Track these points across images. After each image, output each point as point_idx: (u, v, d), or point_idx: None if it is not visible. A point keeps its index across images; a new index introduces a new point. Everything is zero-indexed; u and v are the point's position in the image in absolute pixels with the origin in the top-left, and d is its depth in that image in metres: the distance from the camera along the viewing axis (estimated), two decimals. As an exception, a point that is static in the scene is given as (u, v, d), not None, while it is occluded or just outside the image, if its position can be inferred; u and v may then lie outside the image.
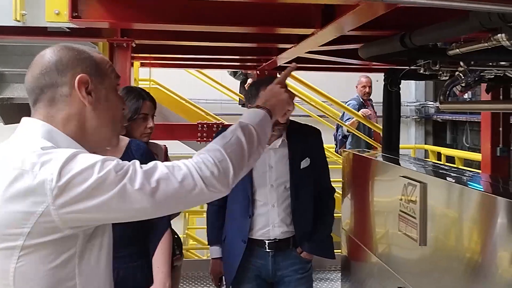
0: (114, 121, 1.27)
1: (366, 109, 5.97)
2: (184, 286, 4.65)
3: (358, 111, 5.97)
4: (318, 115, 6.61)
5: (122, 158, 1.96)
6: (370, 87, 6.00)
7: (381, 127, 4.83)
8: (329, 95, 6.14)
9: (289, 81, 5.94)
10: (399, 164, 3.48)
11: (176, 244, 2.46)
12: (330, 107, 6.40)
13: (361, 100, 5.98)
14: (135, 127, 2.31)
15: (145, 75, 5.47)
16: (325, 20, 2.55)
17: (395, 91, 4.64)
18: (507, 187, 2.63)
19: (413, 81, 8.01)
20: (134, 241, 1.95)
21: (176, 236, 2.54)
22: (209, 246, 2.65)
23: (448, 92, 3.93)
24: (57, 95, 1.19)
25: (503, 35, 2.30)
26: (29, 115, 3.80)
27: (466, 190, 2.34)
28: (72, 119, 1.20)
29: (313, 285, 4.76)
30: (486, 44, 2.58)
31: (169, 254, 2.03)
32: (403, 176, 2.98)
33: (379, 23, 2.51)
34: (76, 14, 2.38)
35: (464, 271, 2.24)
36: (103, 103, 1.23)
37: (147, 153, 2.06)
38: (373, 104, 6.25)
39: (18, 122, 3.84)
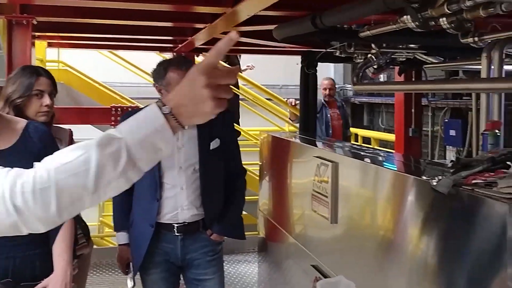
0: None
1: (291, 99, 5.95)
2: (101, 273, 4.50)
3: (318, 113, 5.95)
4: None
5: (19, 142, 1.83)
6: (332, 89, 5.90)
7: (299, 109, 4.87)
8: (249, 78, 6.12)
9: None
10: (315, 146, 3.52)
11: (83, 232, 2.33)
12: (251, 90, 6.39)
13: (323, 101, 5.91)
14: (29, 105, 2.14)
15: (54, 57, 5.17)
16: (236, -1, 2.49)
17: (312, 73, 4.70)
18: (419, 166, 2.72)
19: (332, 64, 8.16)
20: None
21: (83, 224, 2.40)
22: (115, 232, 2.54)
23: (360, 74, 4.01)
24: None
25: (409, 16, 2.34)
26: None
27: (376, 168, 2.38)
28: None
29: (231, 268, 4.80)
30: (394, 26, 2.63)
31: (70, 241, 1.91)
32: (316, 157, 3.01)
33: (292, 3, 2.49)
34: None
35: (374, 248, 2.29)
36: None
37: (46, 136, 1.90)
38: (341, 103, 6.20)
39: None
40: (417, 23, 2.36)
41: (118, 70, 6.46)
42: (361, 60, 3.81)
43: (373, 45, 3.54)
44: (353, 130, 7.63)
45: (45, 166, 0.95)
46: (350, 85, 8.74)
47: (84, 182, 0.92)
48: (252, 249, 4.75)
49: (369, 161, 2.63)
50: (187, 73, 2.31)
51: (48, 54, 5.14)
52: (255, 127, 6.00)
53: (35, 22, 2.94)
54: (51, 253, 1.88)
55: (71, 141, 2.39)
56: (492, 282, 1.53)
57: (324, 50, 4.19)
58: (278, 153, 3.88)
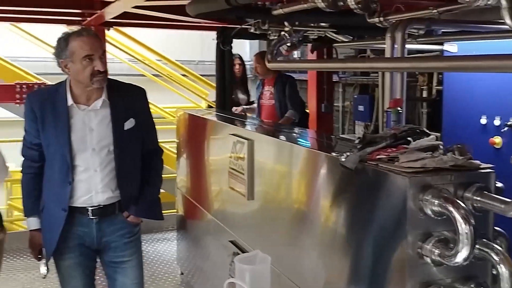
0: None
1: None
2: (10, 259, 4.31)
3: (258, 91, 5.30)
4: (153, 74, 6.43)
5: None
6: (258, 67, 5.06)
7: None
8: (163, 54, 6.00)
9: (121, 39, 5.69)
10: (231, 123, 3.55)
11: None
12: (165, 66, 6.27)
13: (259, 80, 5.35)
14: None
15: None
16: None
17: (228, 49, 4.70)
18: (326, 142, 2.83)
19: (247, 41, 8.18)
20: None
21: None
22: (25, 217, 2.43)
23: (275, 51, 4.07)
24: None
25: (319, -4, 2.40)
26: None
27: (290, 146, 2.45)
28: None
29: (150, 246, 4.77)
30: (305, 5, 2.68)
31: None
32: (232, 134, 3.04)
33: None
34: None
35: (289, 222, 2.37)
36: None
37: None
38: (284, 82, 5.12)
39: None
40: (326, 3, 2.43)
41: (23, 44, 6.07)
42: (276, 37, 3.86)
43: (286, 23, 3.59)
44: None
45: None
46: (265, 62, 8.82)
47: None
48: (171, 227, 4.74)
49: (283, 138, 2.70)
50: (91, 38, 2.24)
51: None
52: (171, 104, 5.91)
53: None
54: None
55: None
56: (394, 250, 1.65)
57: (239, 26, 4.20)
58: (195, 131, 3.88)
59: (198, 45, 8.10)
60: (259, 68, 5.03)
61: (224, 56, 4.68)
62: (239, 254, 2.69)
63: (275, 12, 3.04)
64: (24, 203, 2.42)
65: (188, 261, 3.98)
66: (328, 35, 4.37)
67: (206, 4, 2.98)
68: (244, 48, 8.28)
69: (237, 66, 5.55)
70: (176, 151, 4.28)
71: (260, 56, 4.99)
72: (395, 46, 2.62)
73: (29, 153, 2.39)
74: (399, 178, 1.60)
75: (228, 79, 4.67)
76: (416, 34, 3.34)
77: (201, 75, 6.56)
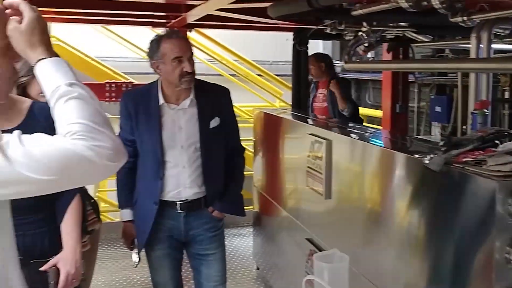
0: (2, 83, 1.18)
1: None
2: (103, 248, 4.57)
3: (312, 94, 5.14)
4: (229, 74, 6.61)
5: (25, 122, 1.86)
6: (312, 69, 4.86)
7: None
8: (240, 53, 6.14)
9: (199, 39, 5.85)
10: (307, 122, 3.60)
11: (93, 208, 2.37)
12: (242, 66, 6.42)
13: (313, 83, 5.21)
14: (32, 85, 2.15)
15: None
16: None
17: (304, 50, 4.75)
18: (403, 142, 2.82)
19: (321, 41, 8.18)
20: (40, 207, 1.87)
21: (92, 201, 2.45)
22: (119, 209, 2.60)
23: (352, 52, 4.08)
24: None
25: (403, -4, 2.41)
26: None
27: (368, 146, 2.48)
28: None
29: (227, 241, 4.90)
30: (387, 6, 2.69)
31: (78, 219, 1.97)
32: (310, 134, 3.09)
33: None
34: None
35: (367, 222, 2.39)
36: None
37: (51, 116, 1.94)
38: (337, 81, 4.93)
39: None
40: (410, 3, 2.43)
41: (112, 45, 6.43)
42: (351, 37, 3.87)
43: (364, 23, 3.59)
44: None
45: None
46: (338, 61, 8.79)
47: None
48: (246, 223, 4.86)
49: (361, 138, 2.72)
50: (180, 41, 2.38)
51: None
52: (246, 103, 6.05)
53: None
54: (59, 231, 1.94)
55: None
56: (480, 254, 1.64)
57: (315, 27, 4.24)
58: (272, 129, 3.96)
59: (272, 46, 8.19)
60: (314, 70, 4.91)
61: (300, 56, 4.73)
62: (316, 252, 2.74)
63: (354, 13, 3.05)
64: (119, 196, 2.58)
65: (263, 256, 4.08)
66: (407, 35, 4.31)
67: (287, 6, 3.05)
68: (317, 48, 8.29)
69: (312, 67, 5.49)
70: (252, 149, 4.39)
71: (315, 58, 4.92)
72: (481, 46, 2.58)
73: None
74: (488, 181, 1.59)
75: (304, 79, 4.72)
76: (502, 34, 3.25)
77: (275, 75, 6.66)
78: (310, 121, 3.71)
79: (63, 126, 1.05)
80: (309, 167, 3.04)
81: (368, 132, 3.01)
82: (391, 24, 3.88)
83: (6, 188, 1.00)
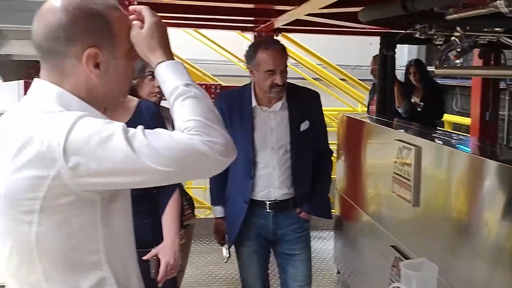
0: (123, 84, 1.25)
1: None
2: (195, 243, 4.73)
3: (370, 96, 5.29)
4: (313, 78, 6.63)
5: (132, 119, 2.00)
6: (375, 69, 4.90)
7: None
8: (324, 57, 6.15)
9: (284, 42, 5.91)
10: (393, 128, 3.56)
11: (188, 204, 2.50)
12: (325, 70, 6.42)
13: (372, 84, 5.25)
14: (143, 87, 2.29)
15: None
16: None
17: (391, 55, 4.68)
18: (496, 150, 2.73)
19: (406, 45, 8.01)
20: (144, 200, 1.99)
21: (188, 197, 2.57)
22: (212, 206, 2.71)
23: (443, 57, 3.98)
24: (64, 65, 1.15)
25: (502, 1, 2.33)
26: (27, 73, 3.72)
27: (458, 153, 2.42)
28: (81, 86, 1.17)
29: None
30: (484, 10, 2.61)
31: (178, 213, 2.08)
32: (398, 140, 3.06)
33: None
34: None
35: (457, 231, 2.34)
36: (113, 72, 1.18)
37: (156, 115, 2.07)
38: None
39: (17, 79, 3.77)
40: (511, 8, 2.35)
41: (202, 48, 6.65)
42: (441, 42, 3.78)
43: (458, 28, 3.50)
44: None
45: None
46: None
47: None
48: (326, 226, 4.86)
49: (453, 146, 2.66)
50: (275, 53, 2.42)
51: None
52: (329, 107, 6.05)
53: (135, 3, 3.12)
54: (160, 223, 2.06)
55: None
56: None
57: (404, 31, 4.17)
58: (356, 134, 3.94)
59: (355, 50, 8.13)
60: (377, 71, 4.81)
61: (387, 61, 4.66)
62: (401, 259, 2.71)
63: (448, 17, 2.99)
64: (212, 193, 2.69)
65: (344, 260, 4.07)
66: (502, 40, 4.14)
67: (380, 11, 3.04)
68: (402, 53, 8.14)
69: (413, 73, 5.30)
70: (336, 153, 4.39)
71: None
72: None
73: (218, 148, 2.66)
74: None
75: (389, 84, 4.65)
76: None
77: (358, 79, 6.60)
78: (397, 126, 3.66)
79: (181, 123, 1.12)
80: (395, 173, 3.00)
81: (457, 139, 2.94)
82: (486, 29, 3.75)
83: (132, 177, 1.08)
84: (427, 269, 1.71)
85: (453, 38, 3.61)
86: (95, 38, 1.14)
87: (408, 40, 4.48)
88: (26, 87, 4.27)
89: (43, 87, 1.16)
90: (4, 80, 3.57)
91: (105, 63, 1.16)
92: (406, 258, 2.69)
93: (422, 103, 5.19)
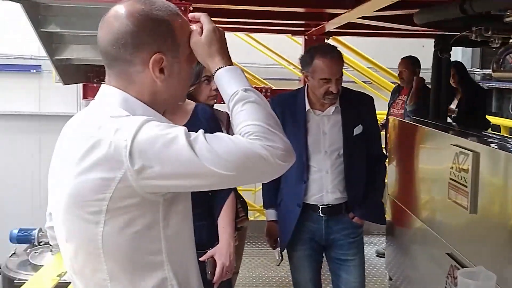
0: (184, 88, 1.29)
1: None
2: (247, 245, 4.78)
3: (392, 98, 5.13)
4: (363, 81, 6.56)
5: (189, 122, 2.04)
6: (404, 72, 4.80)
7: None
8: (375, 60, 6.07)
9: (334, 45, 5.84)
10: (447, 132, 3.47)
11: (242, 207, 2.52)
12: (376, 73, 6.34)
13: (395, 86, 5.07)
14: (200, 91, 2.33)
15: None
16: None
17: (445, 57, 4.57)
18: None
19: (459, 48, 7.80)
20: (200, 202, 2.02)
21: (241, 199, 2.59)
22: (264, 209, 2.73)
23: (501, 60, 3.86)
24: (130, 70, 1.18)
25: None
26: (86, 76, 3.83)
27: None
28: (145, 91, 1.20)
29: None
30: (544, 12, 2.53)
31: (233, 215, 2.11)
32: (454, 145, 2.98)
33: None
34: (139, -23, 2.42)
35: (513, 239, 2.26)
36: (176, 77, 1.21)
37: (213, 118, 2.11)
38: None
39: (77, 82, 3.90)
40: None
41: (251, 51, 6.70)
42: (497, 45, 3.67)
43: (517, 30, 3.40)
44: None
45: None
46: (478, 69, 8.31)
47: None
48: (377, 232, 4.80)
49: (509, 151, 2.57)
50: (332, 62, 2.39)
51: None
52: (380, 110, 5.97)
53: (191, 8, 3.18)
54: (215, 225, 2.09)
55: (228, 124, 2.58)
56: None
57: (459, 34, 4.07)
58: (409, 138, 3.87)
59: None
60: (405, 74, 4.78)
61: (441, 64, 4.56)
62: (457, 267, 2.64)
63: (507, 20, 2.90)
64: (264, 196, 2.71)
65: (396, 267, 4.00)
66: None
67: (436, 13, 2.99)
68: (456, 55, 7.93)
69: (451, 76, 5.12)
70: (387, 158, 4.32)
71: (410, 61, 4.78)
72: None
73: (272, 151, 2.67)
74: None
75: (444, 87, 4.54)
76: None
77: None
78: (453, 131, 3.57)
79: (241, 127, 1.14)
80: (451, 179, 2.93)
81: (510, 144, 2.84)
82: (546, 31, 3.62)
83: (193, 180, 1.11)
84: (485, 278, 1.67)
85: (511, 40, 3.51)
86: (160, 44, 1.17)
87: (463, 42, 4.37)
88: (85, 90, 4.44)
89: (110, 92, 1.20)
90: (65, 84, 3.71)
91: (169, 68, 1.19)
92: (462, 267, 2.62)
93: (457, 109, 4.95)
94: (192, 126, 2.09)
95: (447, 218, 3.08)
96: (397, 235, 4.04)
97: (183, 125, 2.01)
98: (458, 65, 4.95)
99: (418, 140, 3.66)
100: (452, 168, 2.94)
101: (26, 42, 6.30)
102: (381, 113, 5.95)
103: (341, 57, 2.50)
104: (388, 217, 4.21)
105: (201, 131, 1.12)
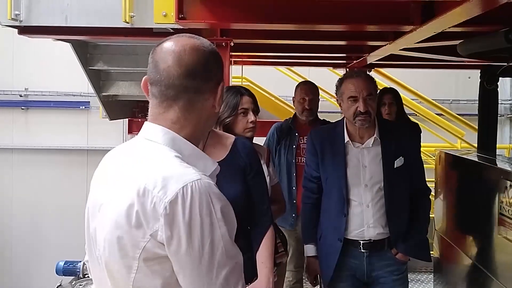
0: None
1: None
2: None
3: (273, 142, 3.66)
4: (408, 114, 6.43)
5: (229, 156, 2.04)
6: (312, 100, 3.55)
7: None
8: (418, 92, 5.98)
9: (376, 77, 5.86)
10: (496, 165, 3.34)
11: (281, 242, 2.46)
12: (420, 105, 6.23)
13: (292, 119, 3.67)
14: (237, 123, 2.34)
15: (237, 73, 5.57)
16: (425, 17, 2.50)
17: (492, 88, 4.45)
18: None
19: (508, 78, 7.58)
20: (240, 236, 2.01)
21: (281, 234, 2.54)
22: (304, 244, 2.66)
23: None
24: (197, 100, 1.20)
25: None
26: (132, 112, 3.95)
27: None
28: (197, 122, 1.21)
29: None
30: None
31: (272, 249, 2.07)
32: (504, 178, 2.86)
33: (480, 19, 2.41)
34: (182, 15, 2.50)
35: None
36: (220, 102, 1.25)
37: (252, 152, 2.09)
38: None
39: (122, 118, 4.02)
40: None
41: (290, 84, 6.74)
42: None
43: None
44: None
45: None
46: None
47: None
48: (424, 269, 4.62)
49: None
50: (358, 80, 2.39)
51: (233, 71, 5.58)
52: (426, 142, 5.83)
53: (232, 44, 3.24)
54: (254, 260, 2.05)
55: (268, 158, 2.56)
56: None
57: (506, 64, 3.96)
58: (456, 171, 3.75)
59: (452, 83, 7.83)
60: (313, 104, 3.60)
61: (488, 95, 4.44)
62: (511, 308, 2.50)
63: (555, 49, 2.80)
64: (304, 230, 2.65)
65: (445, 307, 3.82)
66: None
67: (481, 43, 2.92)
68: (504, 85, 7.71)
69: (387, 105, 3.87)
70: (434, 192, 4.19)
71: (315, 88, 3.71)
72: None
73: (309, 185, 2.63)
74: None
75: (493, 119, 4.41)
76: None
77: (456, 114, 6.33)
78: (501, 164, 3.44)
79: None
80: (502, 214, 2.80)
81: None
82: None
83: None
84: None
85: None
86: (221, 73, 1.25)
87: (511, 72, 4.25)
88: (130, 125, 4.56)
89: (155, 132, 1.18)
90: (111, 119, 3.82)
91: (221, 94, 1.25)
92: (516, 308, 2.48)
93: None
94: (231, 159, 2.10)
95: (498, 255, 2.93)
96: (445, 273, 3.88)
97: (223, 159, 2.04)
98: (396, 93, 3.89)
99: (465, 173, 3.53)
100: (502, 202, 2.81)
101: (75, 79, 6.55)
102: (428, 145, 5.84)
103: (369, 77, 2.49)
104: (435, 253, 4.06)
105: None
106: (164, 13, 2.61)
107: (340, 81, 2.50)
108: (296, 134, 3.59)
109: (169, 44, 1.20)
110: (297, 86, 3.71)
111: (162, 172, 1.10)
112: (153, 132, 1.19)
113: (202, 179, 1.10)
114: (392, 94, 3.85)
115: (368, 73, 4.88)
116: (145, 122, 1.23)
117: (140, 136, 1.22)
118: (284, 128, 3.66)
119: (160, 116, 1.20)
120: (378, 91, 2.89)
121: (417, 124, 3.38)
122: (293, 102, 3.71)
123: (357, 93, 2.39)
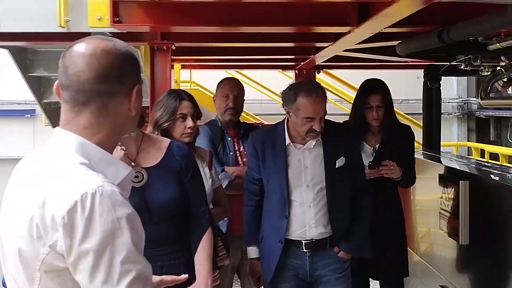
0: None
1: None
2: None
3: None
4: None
5: (164, 159, 2.01)
6: (237, 97, 3.17)
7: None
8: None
9: (326, 79, 5.91)
10: (440, 162, 3.43)
11: (223, 244, 2.43)
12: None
13: (220, 122, 3.14)
14: (175, 128, 2.31)
15: (186, 77, 5.55)
16: (361, 18, 2.54)
17: (436, 87, 4.57)
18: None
19: (454, 77, 7.83)
20: (177, 239, 1.97)
21: (223, 237, 2.51)
22: (246, 246, 2.65)
23: (489, 87, 3.84)
24: (110, 104, 1.16)
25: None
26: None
27: (509, 188, 2.29)
28: (112, 127, 1.18)
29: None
30: (527, 38, 2.53)
31: (210, 252, 2.05)
32: (444, 174, 2.94)
33: (415, 19, 2.48)
34: (118, 19, 2.46)
35: (507, 269, 2.20)
36: (138, 105, 1.21)
37: (187, 155, 2.07)
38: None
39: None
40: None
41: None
42: (488, 73, 3.66)
43: (502, 58, 3.38)
44: (479, 145, 7.19)
45: None
46: (474, 98, 8.32)
47: None
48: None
49: (504, 180, 2.53)
50: (317, 101, 2.36)
51: (181, 75, 5.53)
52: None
53: (173, 48, 3.21)
54: (193, 262, 2.03)
55: (211, 161, 2.54)
56: None
57: (448, 63, 4.08)
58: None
59: (402, 84, 8.01)
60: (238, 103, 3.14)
61: (432, 94, 4.56)
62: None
63: (491, 47, 2.90)
64: (245, 233, 2.63)
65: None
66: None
67: (417, 43, 2.98)
68: (451, 85, 7.95)
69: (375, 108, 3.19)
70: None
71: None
72: None
73: (251, 187, 2.61)
74: None
75: (436, 117, 4.53)
76: None
77: (405, 113, 6.48)
78: (443, 161, 3.53)
79: None
80: (442, 209, 2.88)
81: (509, 173, 2.79)
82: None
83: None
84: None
85: (498, 68, 3.50)
86: (138, 76, 1.21)
87: (454, 71, 4.37)
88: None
89: (66, 138, 1.15)
90: (54, 126, 3.73)
91: (138, 97, 1.21)
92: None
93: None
94: (166, 162, 2.08)
95: (439, 249, 3.04)
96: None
97: (158, 162, 2.01)
98: (385, 91, 3.15)
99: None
100: (442, 198, 2.90)
101: (20, 86, 6.38)
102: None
103: (325, 95, 2.45)
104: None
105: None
106: (99, 17, 2.56)
107: (295, 95, 2.40)
108: (229, 139, 3.10)
109: (79, 47, 1.16)
110: (219, 83, 3.23)
111: (63, 181, 1.07)
112: (62, 138, 1.16)
113: (104, 186, 1.06)
114: (381, 95, 3.06)
115: (317, 74, 5.03)
116: (56, 128, 1.19)
117: (49, 143, 1.18)
118: (216, 134, 3.10)
119: (72, 121, 1.16)
120: (363, 87, 2.93)
121: (409, 127, 3.26)
122: (214, 101, 3.21)
123: (315, 115, 2.36)
